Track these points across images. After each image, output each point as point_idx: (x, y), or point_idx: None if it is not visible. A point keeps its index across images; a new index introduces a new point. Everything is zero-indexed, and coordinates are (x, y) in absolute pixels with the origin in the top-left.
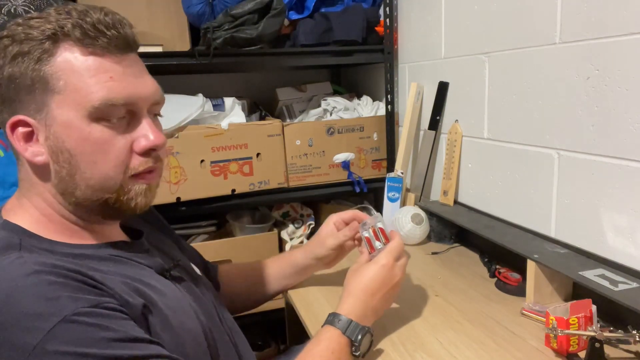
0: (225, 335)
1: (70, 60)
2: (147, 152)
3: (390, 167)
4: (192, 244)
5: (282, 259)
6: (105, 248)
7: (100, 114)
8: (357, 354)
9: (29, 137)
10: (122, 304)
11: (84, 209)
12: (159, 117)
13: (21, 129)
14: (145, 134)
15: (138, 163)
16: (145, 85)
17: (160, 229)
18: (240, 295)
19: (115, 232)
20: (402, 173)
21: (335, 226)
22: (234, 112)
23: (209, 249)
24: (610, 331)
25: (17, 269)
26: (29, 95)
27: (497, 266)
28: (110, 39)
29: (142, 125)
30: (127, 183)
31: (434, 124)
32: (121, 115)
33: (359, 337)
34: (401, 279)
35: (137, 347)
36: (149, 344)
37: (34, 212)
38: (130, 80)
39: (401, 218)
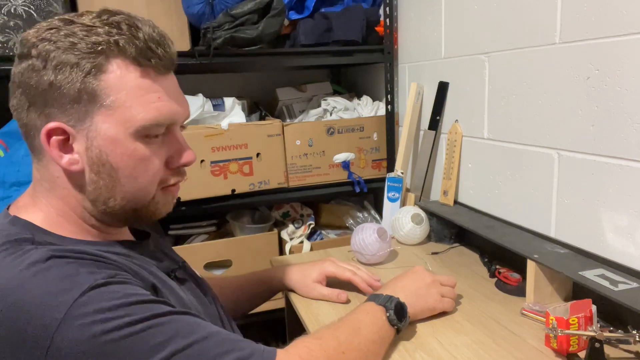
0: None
1: (122, 77)
2: (180, 168)
3: (390, 167)
4: (192, 244)
5: (260, 283)
6: (115, 246)
7: (146, 132)
8: (390, 317)
9: (65, 144)
10: (135, 277)
11: (110, 215)
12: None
13: (57, 137)
14: (181, 152)
15: (170, 177)
16: (183, 104)
17: (157, 231)
18: None
19: (124, 234)
20: (402, 173)
21: (326, 277)
22: (234, 112)
23: (209, 249)
24: (610, 331)
25: (34, 256)
26: (72, 104)
27: (497, 266)
28: (161, 58)
29: (177, 142)
30: (157, 195)
31: (434, 124)
32: (161, 133)
33: (391, 303)
34: (434, 283)
35: (157, 308)
36: (166, 305)
37: (50, 212)
38: (173, 101)
39: (401, 218)
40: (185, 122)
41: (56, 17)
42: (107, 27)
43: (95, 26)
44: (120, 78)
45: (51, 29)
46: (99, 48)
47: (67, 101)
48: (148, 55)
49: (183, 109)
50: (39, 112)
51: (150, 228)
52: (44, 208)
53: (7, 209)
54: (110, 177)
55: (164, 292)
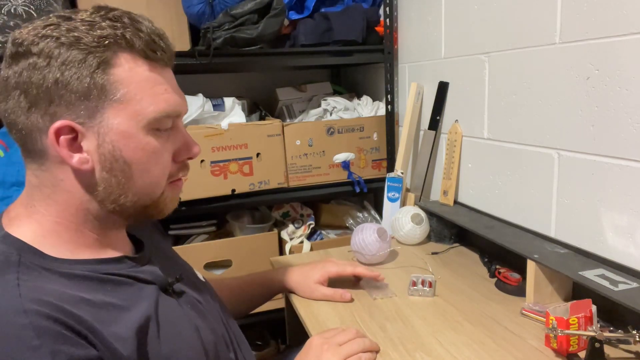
0: (230, 347)
1: (131, 70)
2: (185, 161)
3: (390, 167)
4: (192, 244)
5: (259, 285)
6: (108, 264)
7: (156, 125)
8: None
9: (73, 143)
10: (105, 349)
11: (118, 213)
12: None
13: (66, 135)
14: (187, 144)
15: (177, 170)
16: (183, 97)
17: (158, 230)
18: None
19: (122, 243)
20: (402, 173)
21: (328, 278)
22: (234, 112)
23: (209, 249)
24: (610, 331)
25: (8, 302)
26: (80, 101)
27: (497, 266)
28: (165, 51)
29: (182, 135)
30: (166, 190)
31: (434, 124)
32: (169, 126)
33: None
34: (331, 348)
35: None
36: None
37: (46, 222)
38: (176, 93)
39: (401, 218)
40: (183, 122)
41: (52, 15)
42: (109, 21)
43: (96, 21)
44: (130, 71)
45: (50, 25)
46: (106, 42)
47: (75, 98)
48: (154, 47)
49: (184, 101)
50: (43, 112)
51: (151, 230)
52: (39, 217)
53: (0, 219)
54: (123, 173)
55: (150, 335)
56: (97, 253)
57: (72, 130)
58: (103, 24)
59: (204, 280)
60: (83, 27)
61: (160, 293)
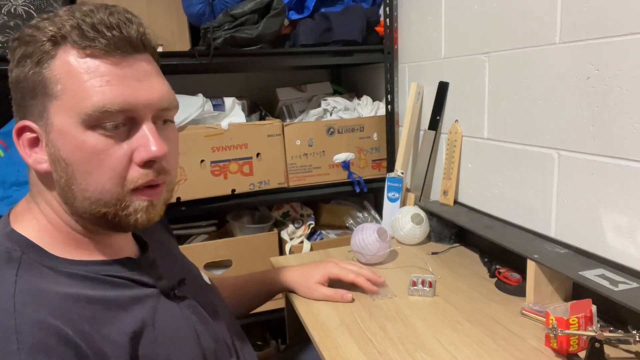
0: (232, 351)
1: (68, 63)
2: (148, 164)
3: (390, 167)
4: (192, 244)
5: (260, 284)
6: (108, 265)
7: (95, 121)
8: None
9: (35, 143)
10: (94, 355)
11: (85, 220)
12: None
13: (28, 135)
14: (145, 143)
15: (137, 175)
16: (150, 89)
17: (167, 229)
18: None
19: (123, 244)
20: (402, 173)
21: (329, 278)
22: (234, 112)
23: (209, 249)
24: (610, 331)
25: (1, 300)
26: (32, 99)
27: (497, 266)
28: (110, 40)
29: (142, 133)
30: (126, 198)
31: (434, 124)
32: (119, 122)
33: None
34: None
35: None
36: None
37: (41, 219)
38: (131, 84)
39: (401, 218)
40: (168, 113)
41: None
42: (64, 15)
43: (57, 15)
44: (65, 64)
45: (26, 27)
46: (48, 35)
47: (28, 97)
48: (92, 37)
49: (148, 96)
50: (17, 113)
51: (160, 230)
52: (37, 215)
53: (9, 214)
54: (66, 174)
55: (144, 340)
56: (98, 254)
57: (32, 130)
58: (57, 18)
59: (209, 282)
60: (42, 25)
61: (160, 297)
